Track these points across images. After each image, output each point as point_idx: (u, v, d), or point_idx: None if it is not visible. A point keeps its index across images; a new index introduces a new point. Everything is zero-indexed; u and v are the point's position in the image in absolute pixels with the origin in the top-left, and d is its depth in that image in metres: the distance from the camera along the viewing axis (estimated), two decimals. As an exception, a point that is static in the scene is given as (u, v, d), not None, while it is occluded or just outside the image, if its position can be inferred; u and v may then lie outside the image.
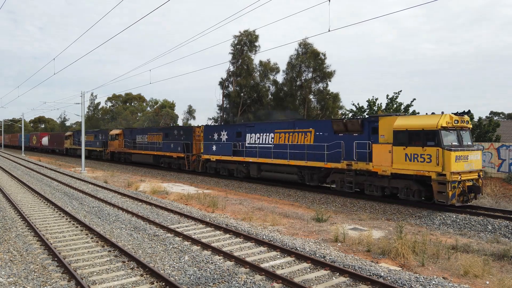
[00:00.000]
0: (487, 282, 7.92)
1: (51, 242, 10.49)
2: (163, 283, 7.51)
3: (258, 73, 49.50)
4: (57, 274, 8.13)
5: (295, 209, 15.76)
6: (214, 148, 25.40)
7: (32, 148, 75.45)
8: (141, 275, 8.04)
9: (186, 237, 10.76)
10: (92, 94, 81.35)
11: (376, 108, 34.06)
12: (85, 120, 39.40)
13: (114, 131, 40.79)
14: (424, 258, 9.08)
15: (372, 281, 7.51)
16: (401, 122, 14.93)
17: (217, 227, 12.07)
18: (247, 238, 10.80)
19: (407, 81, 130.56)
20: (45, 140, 66.33)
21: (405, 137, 14.60)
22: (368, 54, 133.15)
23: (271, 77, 49.73)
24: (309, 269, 8.45)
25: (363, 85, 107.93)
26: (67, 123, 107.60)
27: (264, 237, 10.93)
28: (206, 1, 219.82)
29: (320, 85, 46.28)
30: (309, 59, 44.24)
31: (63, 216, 13.99)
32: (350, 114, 36.72)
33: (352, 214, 14.72)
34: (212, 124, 49.39)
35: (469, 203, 14.38)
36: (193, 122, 66.46)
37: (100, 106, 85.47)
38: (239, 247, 10.09)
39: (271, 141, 21.35)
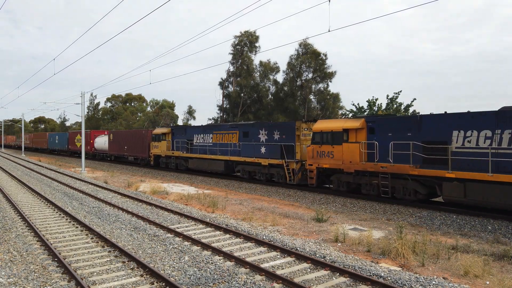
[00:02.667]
0: (487, 282, 7.91)
1: (51, 242, 10.49)
2: (163, 283, 7.51)
3: (258, 73, 49.56)
4: (57, 275, 8.13)
5: (295, 209, 15.76)
6: None
7: (73, 153, 52.36)
8: (141, 275, 8.04)
9: (186, 237, 10.76)
10: (91, 94, 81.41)
11: (376, 108, 34.08)
12: (85, 121, 39.03)
13: (336, 123, 18.29)
14: (424, 258, 9.07)
15: (372, 281, 7.50)
16: None
17: (217, 227, 12.07)
18: (247, 238, 10.80)
19: (407, 81, 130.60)
20: (101, 142, 43.42)
21: None
22: (368, 54, 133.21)
23: (271, 77, 49.77)
24: (309, 269, 8.45)
25: (363, 85, 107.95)
26: (67, 123, 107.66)
27: (264, 237, 10.93)
28: (206, 1, 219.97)
29: (321, 85, 46.33)
30: (310, 59, 44.26)
31: (63, 217, 13.99)
32: (350, 115, 36.65)
33: (352, 214, 14.72)
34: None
35: None
36: (193, 122, 66.50)
37: (100, 107, 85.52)
38: (239, 247, 10.09)
39: None
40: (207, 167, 26.53)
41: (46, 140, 63.16)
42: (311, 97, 46.78)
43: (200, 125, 30.41)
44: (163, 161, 32.39)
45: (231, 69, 49.74)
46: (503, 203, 12.56)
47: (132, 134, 37.49)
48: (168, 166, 31.71)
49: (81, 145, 45.59)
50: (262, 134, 22.42)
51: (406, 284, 7.48)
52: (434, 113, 15.14)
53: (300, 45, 45.55)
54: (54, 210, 15.31)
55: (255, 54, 48.87)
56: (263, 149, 21.98)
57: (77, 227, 12.34)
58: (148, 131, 34.61)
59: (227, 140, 24.95)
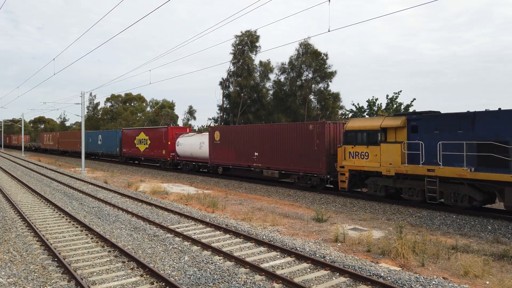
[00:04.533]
0: (487, 282, 7.91)
1: (51, 242, 10.49)
2: (163, 283, 7.50)
3: (258, 73, 49.55)
4: (57, 275, 8.13)
5: (295, 209, 15.76)
6: None
7: (128, 159, 39.26)
8: (141, 275, 8.04)
9: (186, 237, 10.76)
10: (91, 94, 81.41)
11: (376, 108, 34.08)
12: (85, 121, 38.84)
13: None
14: (424, 258, 9.08)
15: (372, 281, 7.50)
16: None
17: (217, 227, 12.07)
18: (247, 238, 10.80)
19: (407, 81, 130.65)
20: (193, 144, 28.22)
21: None
22: (368, 54, 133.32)
23: (275, 76, 49.70)
24: (309, 269, 8.45)
25: (363, 85, 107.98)
26: (67, 123, 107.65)
27: (264, 237, 10.93)
28: (206, 1, 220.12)
29: (321, 85, 46.30)
30: (310, 59, 44.22)
31: (63, 217, 13.99)
32: (350, 115, 36.69)
33: (352, 214, 14.72)
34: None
35: None
36: (193, 123, 66.47)
37: (99, 107, 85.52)
38: (239, 247, 10.08)
39: None
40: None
41: (81, 141, 48.07)
42: (311, 97, 46.75)
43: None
44: (379, 183, 15.90)
45: (232, 69, 49.74)
46: None
47: (275, 130, 21.19)
48: (409, 195, 14.94)
49: (145, 149, 35.54)
50: None
51: (406, 284, 7.48)
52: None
53: (300, 45, 45.53)
54: (54, 210, 15.30)
55: (255, 54, 48.85)
56: None
57: (77, 227, 12.34)
58: (324, 125, 18.61)
59: None
